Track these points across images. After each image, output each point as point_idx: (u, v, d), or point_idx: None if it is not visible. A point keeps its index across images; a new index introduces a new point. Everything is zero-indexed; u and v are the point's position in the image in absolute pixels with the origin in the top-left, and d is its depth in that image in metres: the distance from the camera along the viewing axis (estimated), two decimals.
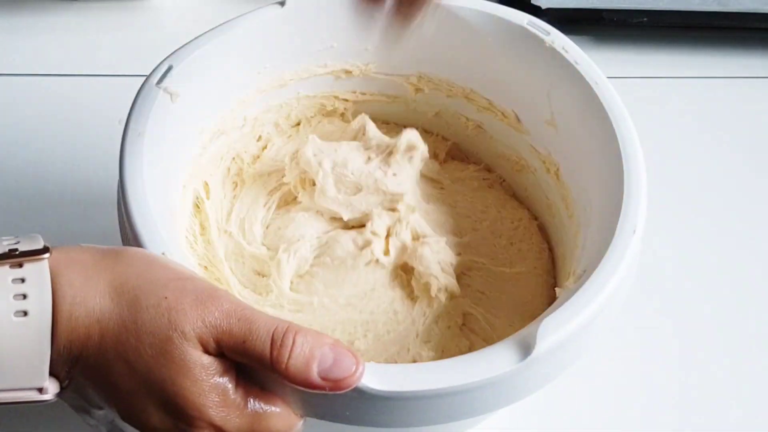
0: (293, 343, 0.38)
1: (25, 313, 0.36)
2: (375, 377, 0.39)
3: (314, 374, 0.38)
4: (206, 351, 0.38)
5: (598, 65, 0.53)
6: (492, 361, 0.41)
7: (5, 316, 0.36)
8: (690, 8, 0.76)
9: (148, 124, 0.47)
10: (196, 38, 0.52)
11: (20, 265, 0.37)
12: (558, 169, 0.55)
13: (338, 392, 0.38)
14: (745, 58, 0.78)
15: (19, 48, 0.74)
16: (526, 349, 0.41)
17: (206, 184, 0.55)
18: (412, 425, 0.42)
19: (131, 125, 0.47)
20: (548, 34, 0.53)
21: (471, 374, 0.40)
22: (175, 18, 0.76)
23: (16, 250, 0.37)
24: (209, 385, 0.38)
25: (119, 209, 0.46)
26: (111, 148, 0.68)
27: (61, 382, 0.38)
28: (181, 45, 0.51)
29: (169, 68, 0.50)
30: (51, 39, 0.74)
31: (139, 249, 0.41)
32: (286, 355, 0.37)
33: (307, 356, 0.38)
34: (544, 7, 0.73)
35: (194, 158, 0.53)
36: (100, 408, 0.40)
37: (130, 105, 0.69)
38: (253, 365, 0.38)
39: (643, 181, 0.48)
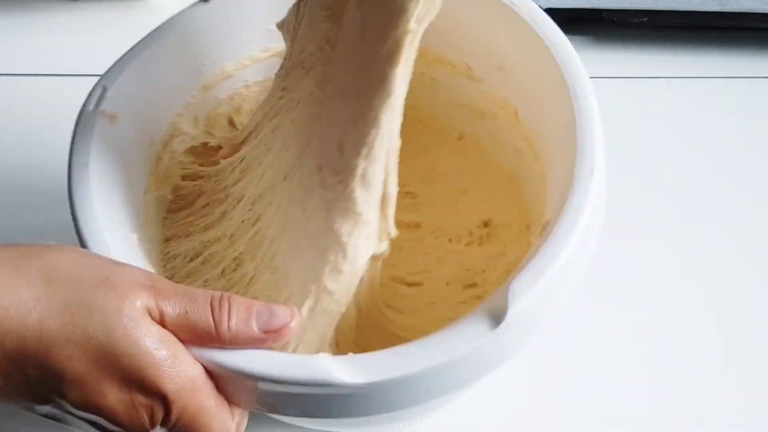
0: (229, 306, 0.40)
1: None
2: (351, 370, 0.39)
3: (255, 329, 0.40)
4: (155, 319, 0.39)
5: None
6: (464, 335, 0.40)
7: None
8: (690, 8, 0.76)
9: (91, 153, 0.47)
10: (124, 54, 0.51)
11: None
12: (516, 112, 0.54)
13: (278, 343, 0.40)
14: (745, 58, 0.78)
15: (19, 48, 0.74)
16: (499, 315, 0.40)
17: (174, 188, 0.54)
18: (396, 409, 0.41)
19: (74, 158, 0.47)
20: None
21: (440, 353, 0.40)
22: None
23: None
24: (163, 355, 0.38)
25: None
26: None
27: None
28: (110, 65, 0.50)
29: (104, 91, 0.49)
30: (51, 39, 0.74)
31: (68, 245, 0.40)
32: (226, 317, 0.39)
33: (245, 315, 0.40)
34: (543, 7, 0.73)
35: (150, 170, 0.52)
36: (45, 403, 0.38)
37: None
38: (198, 338, 0.39)
39: (596, 118, 0.46)
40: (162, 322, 0.39)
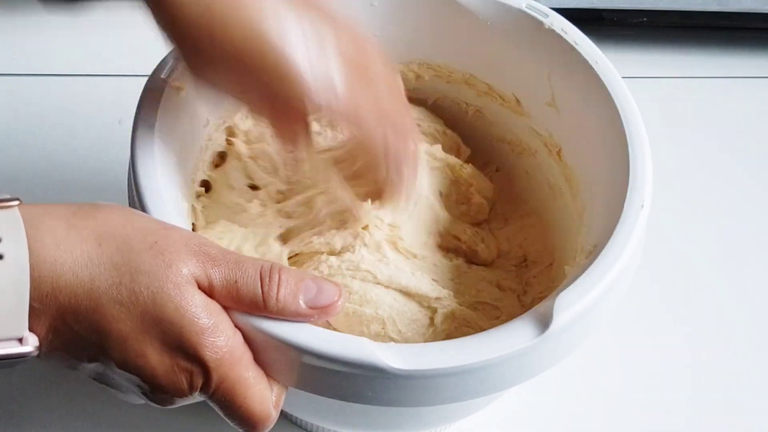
0: (279, 277, 0.40)
1: (1, 257, 0.36)
2: (395, 356, 0.40)
3: (302, 304, 0.40)
4: (202, 288, 0.39)
5: None
6: (510, 337, 0.41)
7: None
8: (690, 8, 0.76)
9: (158, 117, 0.48)
10: None
11: None
12: (560, 150, 0.55)
13: (324, 319, 0.41)
14: (745, 58, 0.78)
15: (19, 48, 0.74)
16: (543, 324, 0.41)
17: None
18: (432, 403, 0.42)
19: (141, 119, 0.48)
20: (547, 16, 0.54)
21: (490, 351, 0.41)
22: None
23: None
24: (205, 324, 0.38)
25: (131, 202, 0.47)
26: (111, 147, 0.68)
27: (42, 338, 0.37)
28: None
29: (175, 62, 0.50)
30: (51, 39, 0.74)
31: (117, 204, 0.41)
32: (275, 289, 0.39)
33: (294, 288, 0.40)
34: None
35: (201, 151, 0.53)
36: (90, 361, 0.39)
37: (130, 105, 0.69)
38: (244, 306, 0.39)
39: (647, 156, 0.48)
40: (209, 290, 0.39)
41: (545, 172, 0.57)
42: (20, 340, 0.37)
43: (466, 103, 0.59)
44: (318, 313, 0.40)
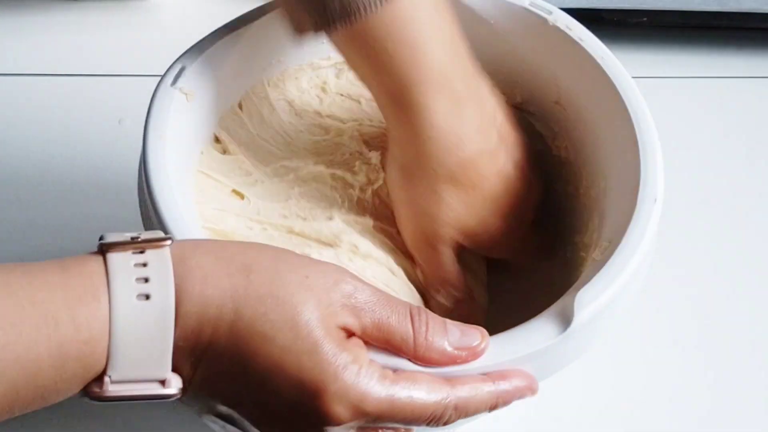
0: (427, 317, 0.39)
1: (147, 297, 0.35)
2: None
3: (448, 345, 0.39)
4: (347, 332, 0.38)
5: None
6: (534, 335, 0.42)
7: (127, 299, 0.35)
8: (690, 8, 0.76)
9: (168, 125, 0.48)
10: (205, 37, 0.52)
11: (142, 251, 0.36)
12: (566, 147, 0.55)
13: (467, 363, 0.39)
14: (745, 58, 0.78)
15: (19, 48, 0.74)
16: (565, 322, 0.42)
17: None
18: None
19: (150, 128, 0.48)
20: (550, 13, 0.53)
21: (514, 350, 0.41)
22: (175, 17, 0.76)
23: (138, 237, 0.37)
24: (346, 361, 0.37)
25: (144, 208, 0.47)
26: (111, 147, 0.68)
27: (185, 378, 0.37)
28: (191, 45, 0.51)
29: (182, 69, 0.50)
30: (51, 39, 0.74)
31: (268, 244, 0.40)
32: (425, 327, 0.39)
33: (441, 329, 0.39)
34: None
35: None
36: (225, 403, 0.38)
37: (130, 105, 0.69)
38: (393, 345, 0.39)
39: (658, 151, 0.48)
40: (360, 329, 0.38)
41: (553, 167, 0.56)
42: (163, 382, 0.36)
43: None
44: (465, 356, 0.40)
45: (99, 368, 0.35)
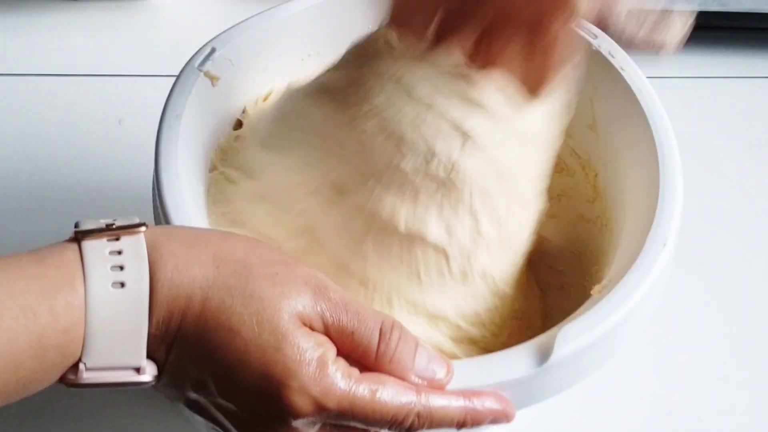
0: (399, 338, 0.38)
1: (122, 285, 0.35)
2: None
3: (411, 372, 0.39)
4: (315, 329, 0.38)
5: None
6: (509, 364, 0.41)
7: (102, 288, 0.35)
8: (690, 8, 0.76)
9: (186, 106, 0.47)
10: (240, 22, 0.51)
11: (117, 238, 0.36)
12: (596, 175, 0.54)
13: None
14: (745, 58, 0.78)
15: (19, 48, 0.74)
16: (544, 355, 0.41)
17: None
18: None
19: (170, 106, 0.47)
20: (596, 37, 0.53)
21: (486, 376, 0.40)
22: (175, 17, 0.76)
23: (113, 224, 0.37)
24: (310, 357, 0.37)
25: (153, 191, 0.47)
26: (111, 147, 0.68)
27: (159, 365, 0.37)
28: (226, 28, 0.51)
29: (212, 51, 0.50)
30: (51, 39, 0.74)
31: (246, 235, 0.40)
32: (392, 349, 0.38)
33: (410, 352, 0.38)
34: None
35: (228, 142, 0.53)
36: (194, 390, 0.38)
37: (130, 105, 0.69)
38: (355, 357, 0.38)
39: (679, 194, 0.47)
40: (324, 332, 0.38)
41: (581, 194, 0.56)
42: (138, 369, 0.36)
43: None
44: (427, 383, 0.39)
45: (77, 356, 0.35)
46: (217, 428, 0.39)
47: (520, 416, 0.41)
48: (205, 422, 0.39)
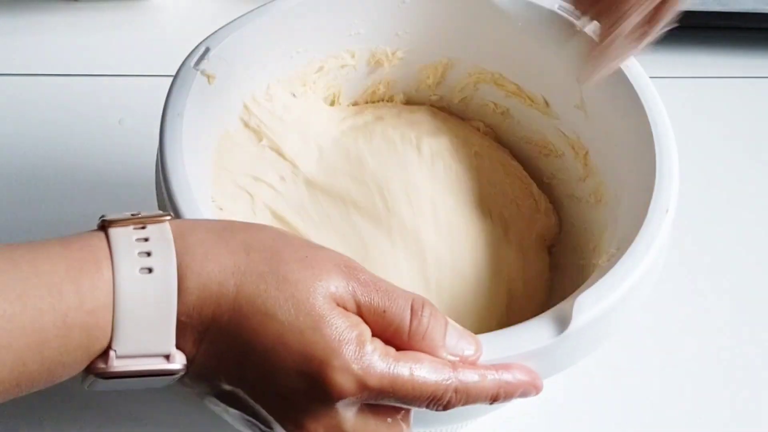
0: (430, 315, 0.38)
1: (150, 270, 0.35)
2: None
3: (444, 347, 0.39)
4: (349, 306, 0.38)
5: None
6: (529, 335, 0.42)
7: (130, 272, 0.35)
8: (690, 8, 0.76)
9: (186, 105, 0.48)
10: (232, 21, 0.52)
11: (143, 227, 0.36)
12: (587, 153, 0.55)
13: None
14: (745, 58, 0.78)
15: (19, 48, 0.74)
16: (563, 324, 0.42)
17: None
18: None
19: (170, 106, 0.48)
20: (579, 17, 0.53)
21: (508, 348, 0.41)
22: (175, 17, 0.76)
23: (139, 213, 0.37)
24: (349, 336, 0.37)
25: (158, 186, 0.47)
26: (111, 148, 0.68)
27: (188, 356, 0.37)
28: (218, 27, 0.52)
29: (207, 50, 0.50)
30: (51, 39, 0.74)
31: (271, 225, 0.41)
32: (424, 326, 0.38)
33: (442, 329, 0.39)
34: None
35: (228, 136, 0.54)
36: (228, 382, 0.38)
37: (130, 105, 0.69)
38: (388, 335, 0.38)
39: (674, 161, 0.48)
40: (357, 313, 0.38)
41: (571, 173, 0.57)
42: (167, 357, 0.36)
43: (495, 103, 0.59)
44: (457, 360, 0.39)
45: (104, 342, 0.35)
46: (252, 420, 0.39)
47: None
48: (239, 414, 0.39)
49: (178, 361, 0.36)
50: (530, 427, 0.57)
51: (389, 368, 0.37)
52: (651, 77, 0.53)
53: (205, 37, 0.51)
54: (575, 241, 0.56)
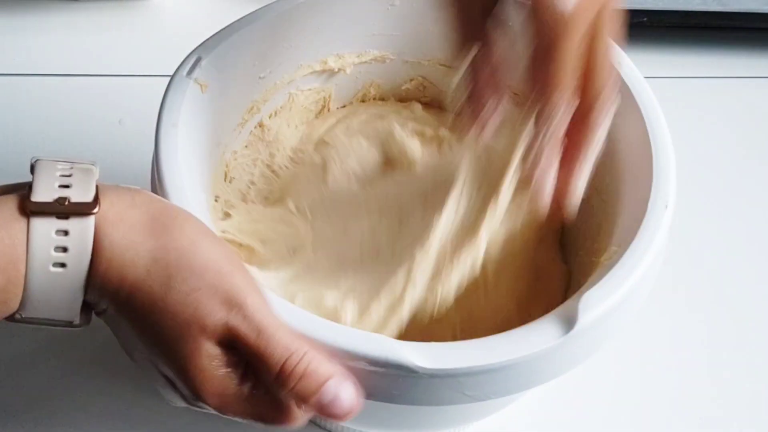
0: (303, 375, 0.39)
1: (63, 265, 0.37)
2: (421, 355, 0.40)
3: (312, 403, 0.40)
4: (219, 343, 0.39)
5: None
6: (536, 336, 0.42)
7: (43, 266, 0.37)
8: (690, 8, 0.76)
9: (181, 115, 0.48)
10: (223, 28, 0.52)
11: (66, 217, 0.37)
12: None
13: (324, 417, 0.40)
14: (745, 58, 0.78)
15: (19, 48, 0.74)
16: (569, 323, 0.42)
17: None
18: (457, 402, 0.42)
19: (164, 117, 0.48)
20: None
21: (516, 350, 0.41)
22: (175, 18, 0.76)
23: (66, 199, 0.38)
24: (212, 376, 0.39)
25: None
26: (111, 148, 0.68)
27: (94, 308, 0.40)
28: (209, 36, 0.52)
29: (198, 59, 0.50)
30: (51, 39, 0.74)
31: (193, 220, 0.41)
32: (293, 382, 0.39)
33: (312, 389, 0.39)
34: None
35: (224, 146, 0.54)
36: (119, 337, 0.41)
37: (130, 105, 0.69)
38: (259, 373, 0.40)
39: (671, 157, 0.49)
40: (234, 345, 0.39)
41: None
42: (70, 323, 0.40)
43: None
44: (324, 415, 0.40)
45: (12, 311, 0.38)
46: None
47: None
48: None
49: (79, 322, 0.39)
50: (531, 427, 0.57)
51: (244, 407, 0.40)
52: (651, 77, 0.53)
53: (199, 42, 0.51)
54: (571, 240, 0.56)
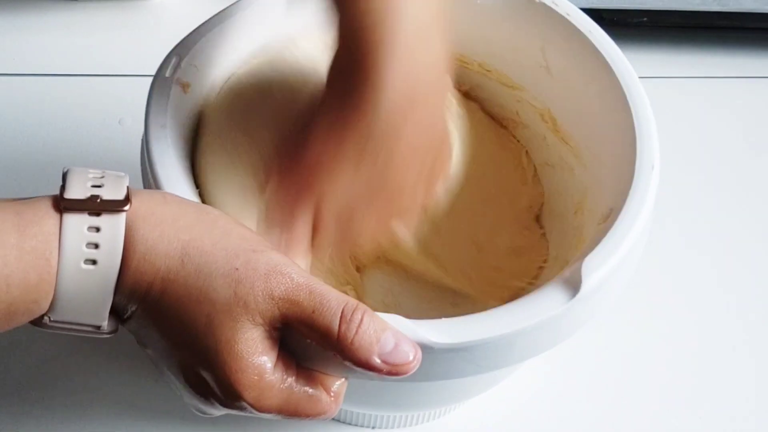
0: (361, 321, 0.38)
1: (94, 262, 0.37)
2: (435, 332, 0.41)
3: (375, 355, 0.39)
4: (264, 323, 0.38)
5: None
6: (543, 303, 0.42)
7: (75, 262, 0.37)
8: (690, 8, 0.76)
9: (168, 115, 0.48)
10: (198, 27, 0.52)
11: (98, 214, 0.37)
12: (556, 122, 0.55)
13: (393, 377, 0.39)
14: (745, 58, 0.78)
15: (19, 48, 0.74)
16: (574, 288, 0.42)
17: None
18: (472, 374, 0.43)
19: (152, 119, 0.48)
20: None
21: (526, 318, 0.42)
22: (175, 17, 0.76)
23: (98, 197, 0.37)
24: (248, 364, 0.38)
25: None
26: (111, 148, 0.68)
27: (121, 316, 0.39)
28: (184, 36, 0.52)
29: (178, 60, 0.50)
30: (51, 39, 0.75)
31: (225, 215, 0.41)
32: (353, 332, 0.38)
33: (372, 337, 0.38)
34: None
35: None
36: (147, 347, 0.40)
37: (130, 105, 0.69)
38: (316, 338, 0.39)
39: (651, 119, 0.49)
40: (284, 318, 0.39)
41: (543, 142, 0.57)
42: (98, 327, 0.39)
43: (459, 83, 0.59)
44: (388, 369, 0.39)
45: (42, 312, 0.38)
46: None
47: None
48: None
49: (107, 329, 0.39)
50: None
51: (278, 400, 0.39)
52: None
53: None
54: (555, 208, 0.56)
